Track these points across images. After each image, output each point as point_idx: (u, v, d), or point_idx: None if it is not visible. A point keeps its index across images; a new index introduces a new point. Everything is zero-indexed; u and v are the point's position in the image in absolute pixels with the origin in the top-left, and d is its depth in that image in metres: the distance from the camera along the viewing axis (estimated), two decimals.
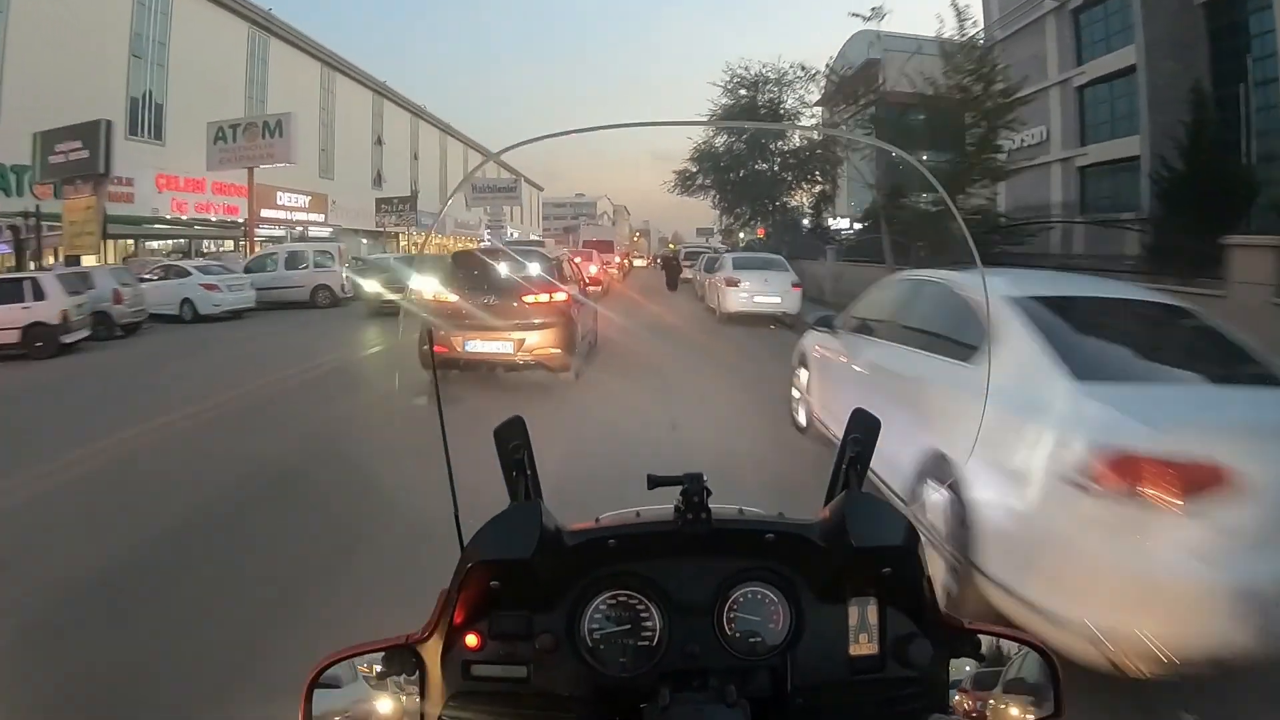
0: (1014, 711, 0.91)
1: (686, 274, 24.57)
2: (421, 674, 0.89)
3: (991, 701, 0.92)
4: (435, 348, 6.01)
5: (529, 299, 7.69)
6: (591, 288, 12.78)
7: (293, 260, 18.92)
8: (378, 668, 0.88)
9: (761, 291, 13.97)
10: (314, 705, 0.85)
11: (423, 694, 0.88)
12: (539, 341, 7.50)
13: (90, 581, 3.21)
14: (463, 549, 0.87)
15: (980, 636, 0.92)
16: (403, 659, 0.88)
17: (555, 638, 0.88)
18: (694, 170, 25.66)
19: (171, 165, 21.87)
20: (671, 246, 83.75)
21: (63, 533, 3.84)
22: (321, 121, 30.97)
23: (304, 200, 28.39)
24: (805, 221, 26.88)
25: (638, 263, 66.21)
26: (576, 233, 40.78)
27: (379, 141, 36.13)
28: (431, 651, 0.88)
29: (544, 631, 0.88)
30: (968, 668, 0.94)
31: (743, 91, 23.27)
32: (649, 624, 0.90)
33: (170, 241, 22.65)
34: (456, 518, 0.94)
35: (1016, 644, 0.92)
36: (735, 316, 13.89)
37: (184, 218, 22.52)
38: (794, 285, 14.23)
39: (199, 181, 22.67)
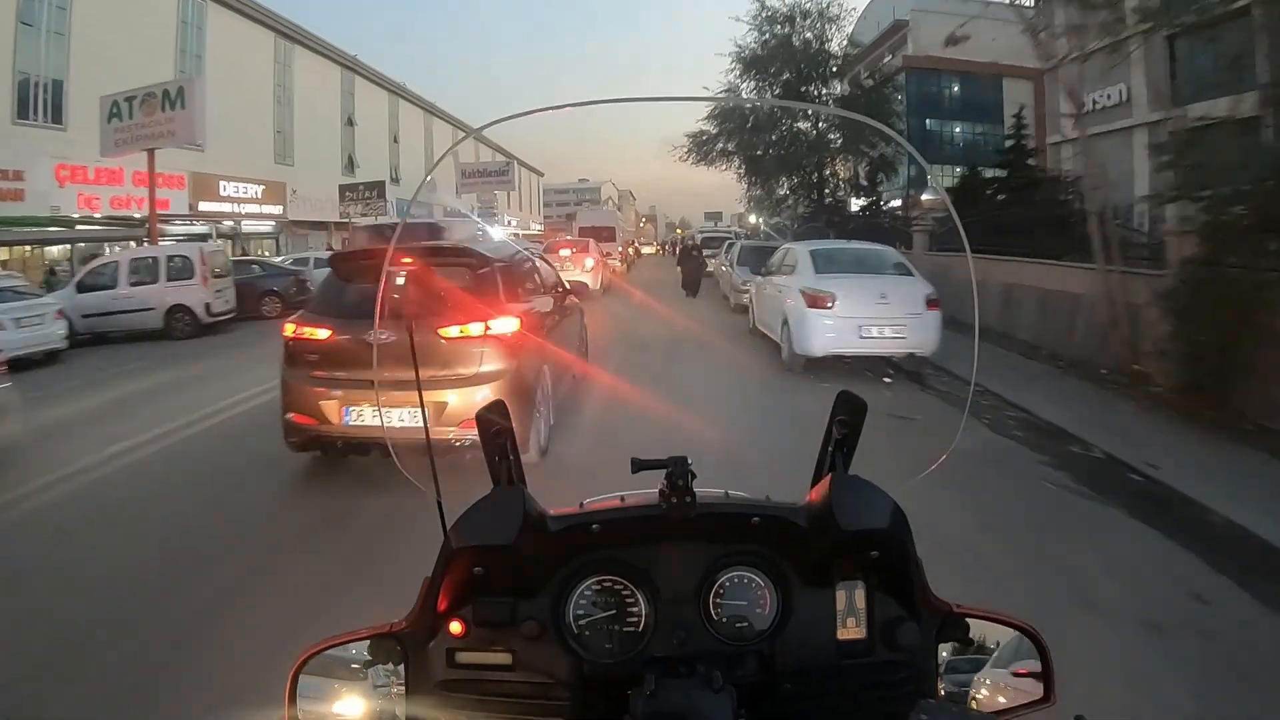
0: (1003, 696, 0.92)
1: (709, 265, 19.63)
2: (407, 662, 0.88)
3: (981, 685, 0.93)
4: (297, 418, 4.51)
5: (450, 332, 4.53)
6: (576, 295, 8.50)
7: (139, 270, 13.13)
8: (364, 656, 0.88)
9: (878, 318, 7.69)
10: (299, 695, 0.85)
11: (408, 682, 0.88)
12: (469, 407, 4.26)
13: None
14: (445, 535, 0.87)
15: (969, 620, 0.92)
16: (387, 647, 0.87)
17: (540, 624, 0.88)
18: (713, 132, 21.02)
19: (76, 154, 17.96)
20: (680, 231, 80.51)
21: None
22: (277, 99, 27.02)
23: (255, 190, 24.52)
24: (856, 200, 22.43)
25: (646, 250, 62.89)
26: (575, 220, 37.00)
27: (350, 122, 32.18)
28: (416, 639, 0.88)
29: (529, 618, 0.88)
30: (953, 652, 0.93)
31: (776, 28, 19.06)
32: (635, 610, 0.90)
33: (64, 247, 18.74)
34: (439, 504, 0.94)
35: (1006, 628, 0.93)
36: (826, 363, 7.96)
37: (96, 215, 18.64)
38: (929, 303, 7.83)
39: (115, 172, 18.70)
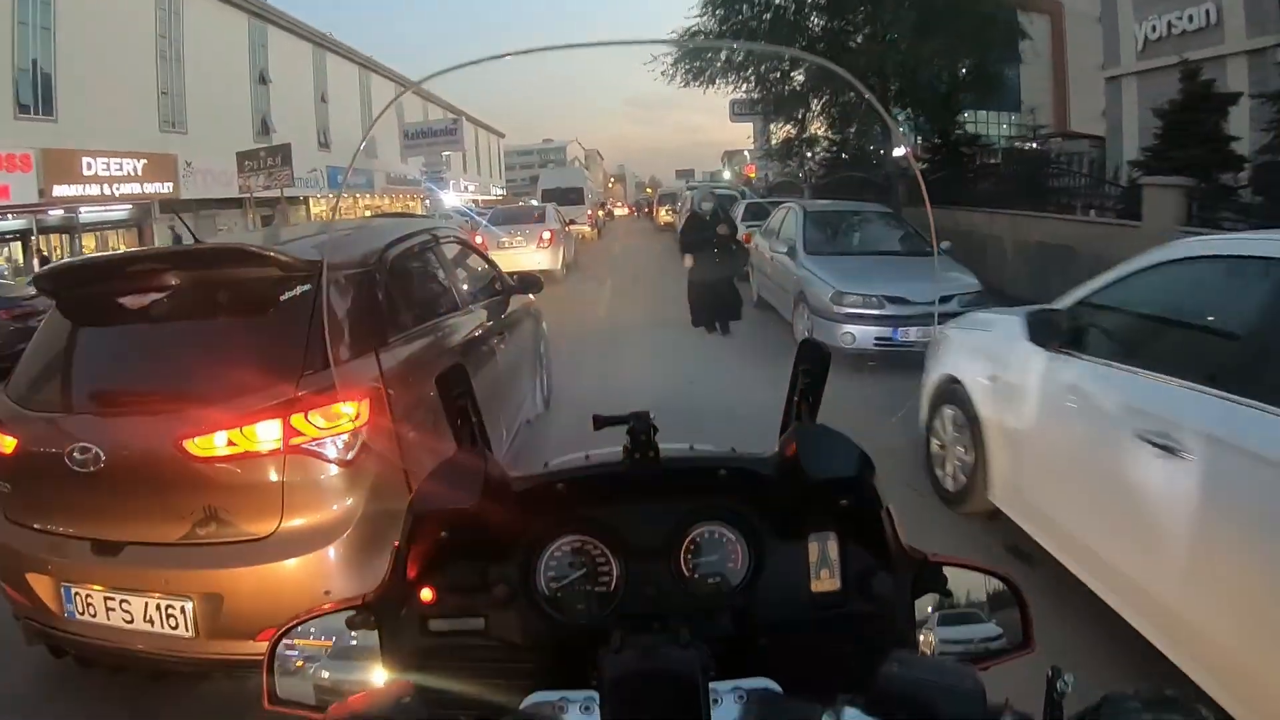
0: (981, 645, 0.92)
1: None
2: (381, 632, 0.88)
3: (958, 634, 0.93)
4: (11, 592, 2.48)
5: (209, 444, 2.19)
6: (527, 290, 4.97)
7: None
8: (340, 628, 0.88)
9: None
10: (276, 672, 0.86)
11: (383, 652, 0.88)
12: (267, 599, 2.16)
13: None
14: (410, 501, 0.86)
15: (946, 569, 0.91)
16: (362, 619, 0.87)
17: (510, 587, 0.88)
18: (718, 29, 14.23)
19: None
20: (649, 191, 76.66)
21: None
22: (161, 54, 21.99)
23: (133, 165, 19.78)
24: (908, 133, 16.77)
25: (619, 212, 59.00)
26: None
27: (263, 79, 27.14)
28: (388, 609, 0.88)
29: (499, 581, 0.88)
30: (930, 602, 0.93)
31: None
32: (606, 569, 0.90)
33: None
34: (405, 471, 1.01)
35: (984, 576, 0.92)
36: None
37: None
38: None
39: None
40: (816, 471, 0.85)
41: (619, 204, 68.82)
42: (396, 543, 0.88)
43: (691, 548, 0.91)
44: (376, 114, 36.46)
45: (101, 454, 2.20)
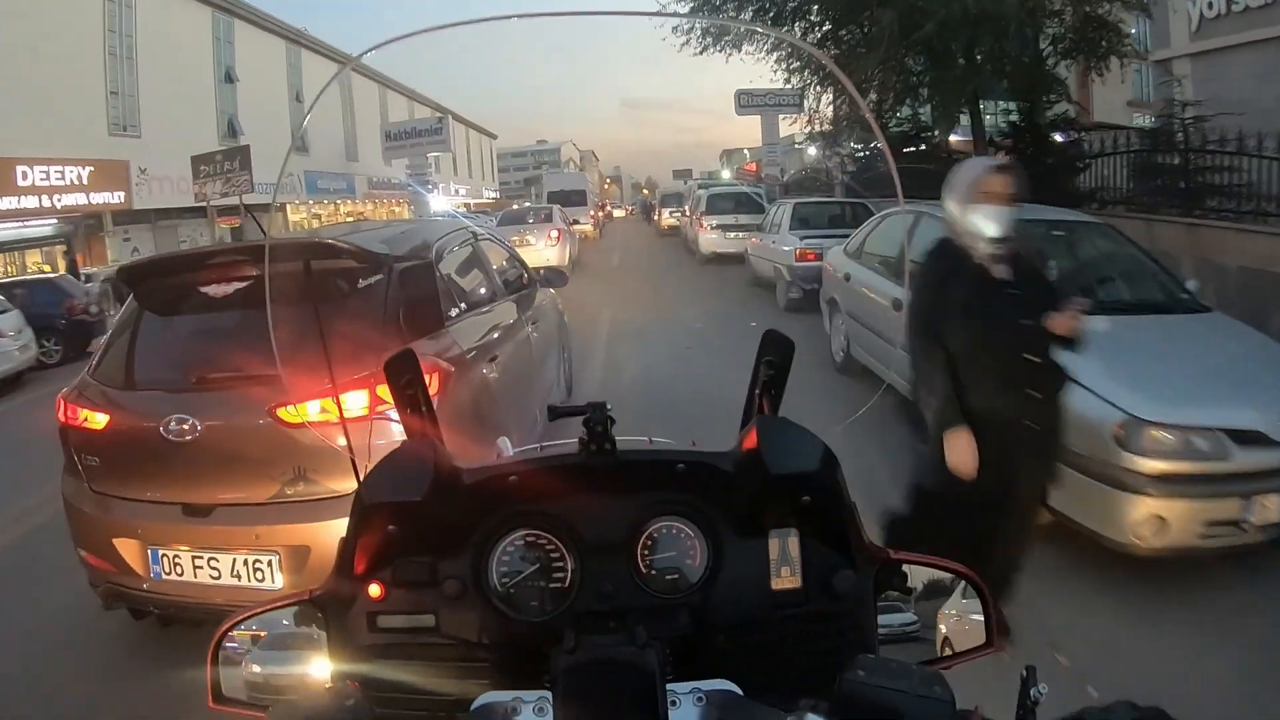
0: (943, 643, 0.91)
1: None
2: (328, 629, 0.85)
3: (921, 632, 0.92)
4: (90, 558, 2.82)
5: (302, 412, 2.59)
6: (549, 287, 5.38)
7: None
8: (288, 625, 0.85)
9: None
10: (220, 670, 0.83)
11: (331, 649, 0.84)
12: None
13: None
14: (357, 493, 0.84)
15: (908, 567, 0.90)
16: (308, 615, 0.85)
17: (461, 583, 0.85)
18: None
19: None
20: (645, 192, 74.65)
21: None
22: (110, 50, 19.87)
23: (79, 173, 17.69)
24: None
25: (617, 213, 57.39)
26: (539, 184, 31.97)
27: (229, 78, 25.04)
28: (336, 604, 0.85)
29: (450, 577, 0.85)
30: (891, 599, 0.91)
31: None
32: (560, 565, 0.87)
33: None
34: (353, 461, 0.94)
35: (947, 574, 0.91)
36: None
37: None
38: None
39: None
40: (779, 466, 0.82)
41: (615, 205, 67.15)
42: (343, 535, 0.85)
43: (649, 544, 0.88)
44: (357, 110, 34.22)
45: (198, 424, 2.56)
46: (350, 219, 32.35)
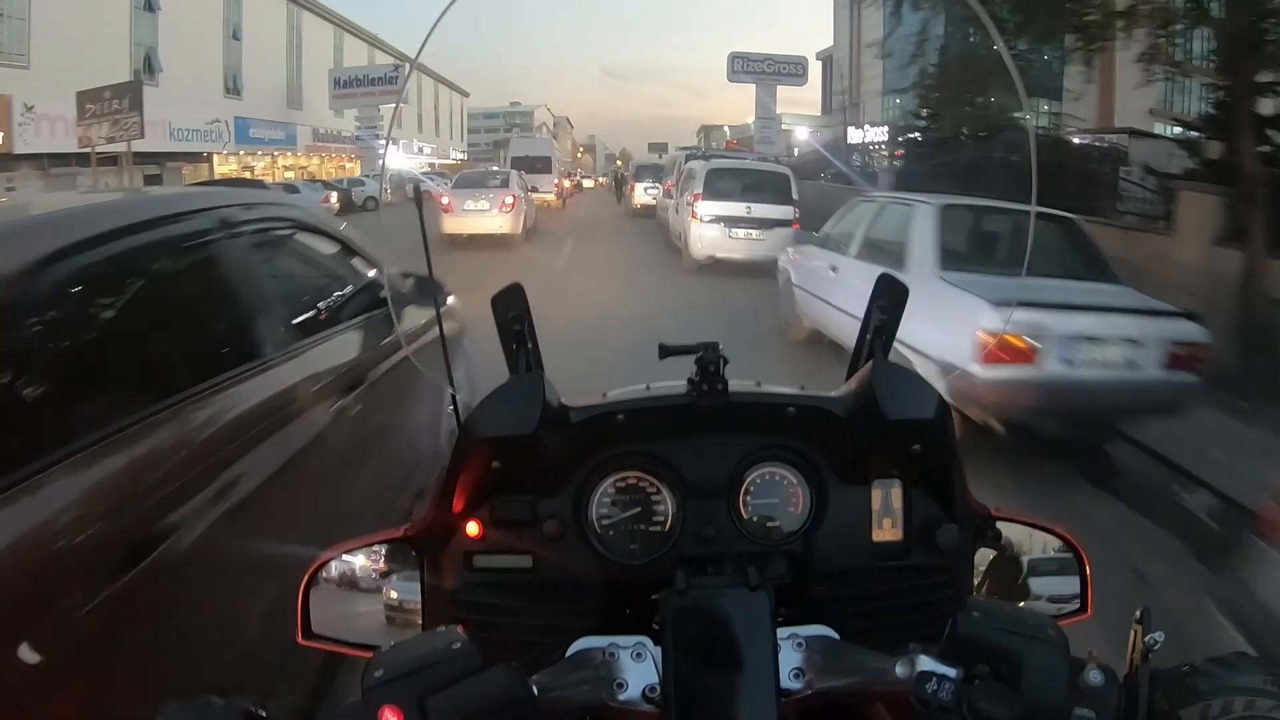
0: (1040, 606, 0.89)
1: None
2: (422, 567, 0.84)
3: (1017, 594, 0.91)
4: None
5: None
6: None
7: None
8: (378, 563, 0.85)
9: None
10: (311, 605, 0.82)
11: (424, 589, 0.84)
12: None
13: None
14: (459, 428, 0.82)
15: (1009, 525, 0.89)
16: (402, 553, 0.85)
17: (561, 523, 0.85)
18: None
19: None
20: (619, 164, 71.20)
21: None
22: None
23: None
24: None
25: (587, 183, 54.64)
26: (507, 148, 28.43)
27: (148, 6, 21.79)
28: (431, 543, 0.84)
29: (549, 517, 0.85)
30: (988, 557, 0.91)
31: None
32: (660, 508, 0.87)
33: None
34: (454, 398, 0.92)
35: (1047, 535, 0.89)
36: None
37: None
38: None
39: None
40: (895, 412, 0.79)
41: (587, 175, 64.22)
42: (441, 472, 0.84)
43: (751, 489, 0.88)
44: (304, 52, 30.92)
45: None
46: (291, 175, 29.29)
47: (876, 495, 0.87)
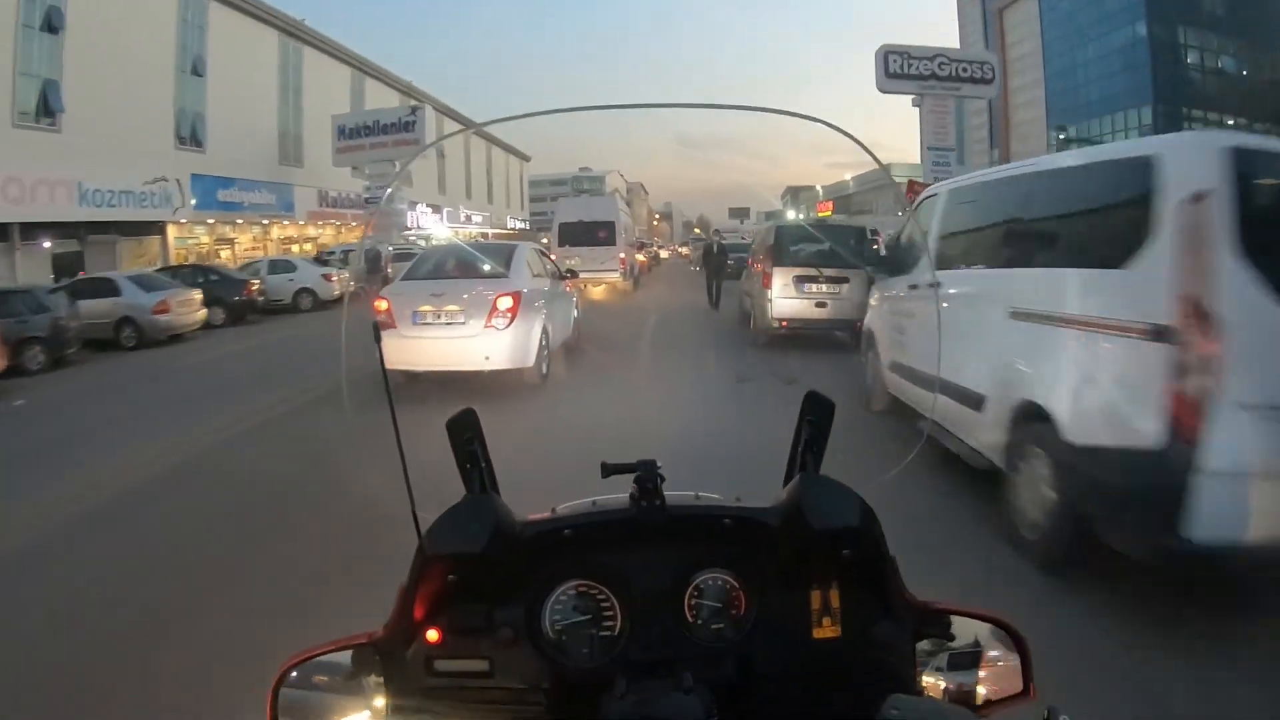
0: (981, 690, 0.93)
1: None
2: (387, 671, 0.88)
3: (959, 681, 0.94)
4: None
5: None
6: None
7: None
8: (346, 666, 0.88)
9: None
10: (280, 707, 0.85)
11: (388, 691, 0.88)
12: None
13: None
14: (420, 543, 0.87)
15: (946, 617, 0.93)
16: (367, 657, 0.88)
17: (515, 630, 0.88)
18: None
19: None
20: (697, 230, 63.89)
21: None
22: None
23: None
24: None
25: (664, 254, 47.74)
26: (555, 213, 21.02)
27: (50, 27, 15.69)
28: (394, 648, 0.88)
29: (504, 624, 0.88)
30: (931, 648, 0.94)
31: None
32: (610, 614, 0.91)
33: None
34: (414, 513, 0.95)
35: (984, 624, 0.93)
36: None
37: None
38: None
39: None
40: (820, 522, 0.86)
41: (663, 246, 57.11)
42: (404, 583, 0.88)
43: (695, 594, 0.92)
44: (310, 102, 24.86)
45: None
46: (294, 248, 22.69)
47: (815, 596, 0.90)
